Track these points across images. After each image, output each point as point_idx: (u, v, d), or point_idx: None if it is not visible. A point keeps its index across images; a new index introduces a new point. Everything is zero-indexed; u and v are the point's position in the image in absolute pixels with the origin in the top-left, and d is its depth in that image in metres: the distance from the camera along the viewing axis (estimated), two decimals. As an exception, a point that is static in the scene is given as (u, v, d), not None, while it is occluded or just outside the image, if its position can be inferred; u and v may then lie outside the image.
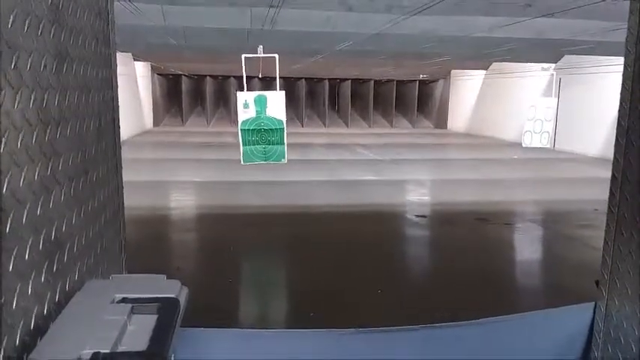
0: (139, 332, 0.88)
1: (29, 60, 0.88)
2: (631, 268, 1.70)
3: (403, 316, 4.06)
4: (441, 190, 10.77)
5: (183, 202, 9.20)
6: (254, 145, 4.95)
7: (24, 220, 0.83)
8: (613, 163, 1.86)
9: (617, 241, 1.78)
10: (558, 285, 5.29)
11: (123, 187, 1.47)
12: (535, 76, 17.74)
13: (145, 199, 8.26)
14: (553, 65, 15.41)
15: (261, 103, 5.10)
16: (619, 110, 1.90)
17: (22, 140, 0.84)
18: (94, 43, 1.27)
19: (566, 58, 14.51)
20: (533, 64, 17.07)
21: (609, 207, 1.82)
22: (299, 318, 4.48)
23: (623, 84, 1.88)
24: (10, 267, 0.78)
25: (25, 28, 0.87)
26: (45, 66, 0.95)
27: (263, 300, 5.14)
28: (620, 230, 1.76)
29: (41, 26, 0.95)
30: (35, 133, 0.89)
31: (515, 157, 15.06)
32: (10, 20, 0.82)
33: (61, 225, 0.98)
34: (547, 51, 12.27)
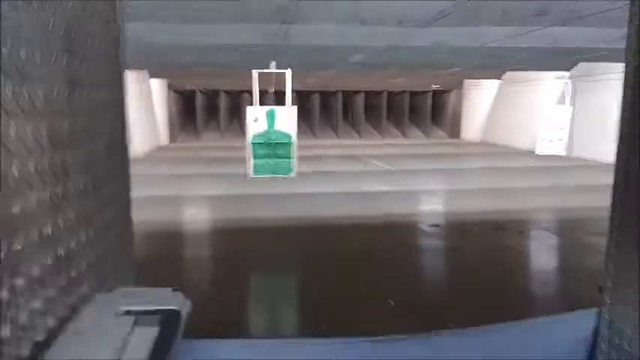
0: (140, 343, 0.92)
1: (42, 88, 0.95)
2: (633, 275, 1.71)
3: (414, 326, 4.06)
4: (454, 200, 10.73)
5: (198, 216, 9.29)
6: (263, 158, 5.02)
7: (36, 237, 0.89)
8: (615, 171, 1.88)
9: (620, 249, 1.79)
10: (572, 293, 5.23)
11: (131, 204, 1.53)
12: (549, 84, 17.62)
13: (161, 212, 8.38)
14: (567, 73, 15.30)
15: (271, 117, 5.18)
16: (620, 118, 1.93)
17: (34, 163, 0.90)
18: (105, 67, 1.34)
19: (581, 65, 14.41)
20: (547, 72, 16.98)
21: (611, 214, 1.84)
22: (312, 330, 4.50)
23: (623, 93, 1.90)
24: (22, 282, 0.83)
25: (39, 59, 0.94)
26: (57, 93, 1.01)
27: (276, 312, 5.17)
28: (622, 237, 1.78)
29: (54, 56, 1.01)
30: (47, 155, 0.96)
31: (531, 165, 14.94)
32: (24, 52, 0.89)
33: (70, 242, 1.04)
34: (561, 59, 12.20)
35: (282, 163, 4.90)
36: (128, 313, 1.00)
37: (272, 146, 4.93)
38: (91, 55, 1.24)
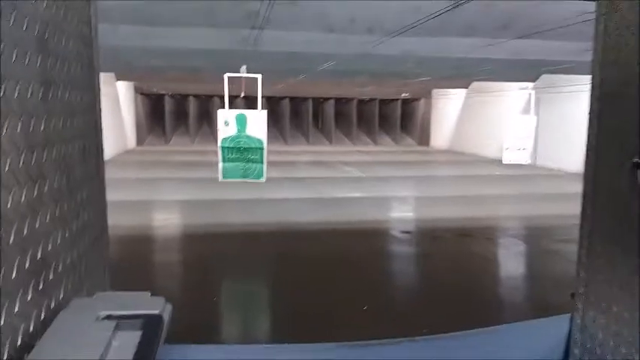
0: (123, 348, 0.90)
1: (17, 88, 0.92)
2: (604, 281, 1.76)
3: (389, 332, 4.08)
4: (424, 207, 10.87)
5: (166, 221, 9.14)
6: (233, 162, 4.98)
7: (11, 240, 0.86)
8: (584, 179, 1.94)
9: (590, 255, 1.84)
10: (539, 298, 5.36)
11: (107, 207, 1.49)
12: (514, 94, 18.10)
13: (128, 218, 8.20)
14: (531, 84, 15.76)
15: (241, 121, 5.15)
16: (588, 129, 1.99)
17: (9, 164, 0.87)
18: (79, 68, 1.31)
19: (544, 77, 14.87)
20: (512, 83, 17.45)
21: (581, 222, 1.89)
22: (284, 336, 4.47)
23: (590, 104, 1.96)
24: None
25: (13, 58, 0.91)
26: (32, 93, 0.99)
27: (247, 318, 5.12)
28: (592, 244, 1.83)
29: (28, 56, 0.99)
30: (22, 157, 0.93)
31: (497, 173, 15.28)
32: (-1, 51, 0.86)
33: (47, 245, 1.00)
34: (525, 70, 12.58)
35: (252, 168, 4.88)
36: (109, 317, 0.97)
37: (242, 150, 4.90)
38: (65, 56, 1.21)
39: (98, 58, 1.55)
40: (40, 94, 1.03)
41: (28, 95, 0.97)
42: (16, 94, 0.91)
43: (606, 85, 1.77)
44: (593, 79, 1.89)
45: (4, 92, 0.87)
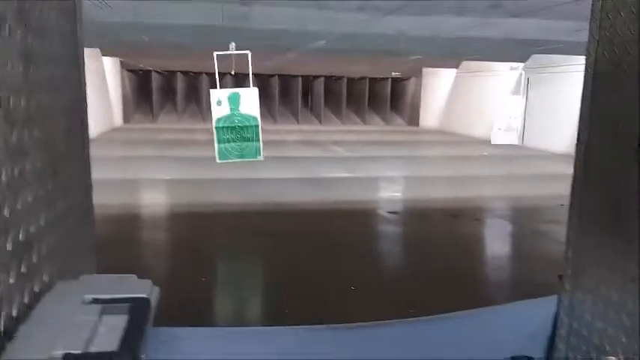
0: (110, 332, 0.88)
1: (-4, 61, 0.88)
2: (592, 262, 1.77)
3: (376, 312, 4.11)
4: (412, 187, 10.92)
5: (155, 201, 9.09)
6: (229, 142, 4.93)
7: (-8, 221, 0.83)
8: (575, 160, 1.93)
9: (579, 235, 1.84)
10: (526, 279, 5.43)
11: (92, 187, 1.46)
12: (504, 74, 18.10)
13: (115, 197, 8.13)
14: (521, 64, 15.75)
15: (234, 100, 5.08)
16: (580, 109, 1.97)
17: (-12, 141, 0.83)
18: (62, 43, 1.26)
19: (534, 57, 14.85)
20: (502, 63, 17.42)
21: (571, 202, 1.89)
22: (273, 315, 4.50)
23: (584, 84, 1.95)
24: (-22, 269, 0.77)
25: (-8, 29, 0.87)
26: (12, 67, 0.94)
27: (236, 298, 5.13)
28: (581, 225, 1.83)
29: (7, 28, 0.94)
30: (2, 134, 0.89)
31: (486, 153, 15.35)
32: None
33: (29, 226, 0.97)
34: (515, 50, 12.54)
35: (249, 147, 4.82)
36: (95, 301, 0.95)
37: (237, 129, 4.84)
38: (47, 30, 1.16)
39: (82, 33, 1.49)
40: (21, 68, 0.98)
41: (8, 69, 0.93)
42: (-6, 69, 0.87)
43: (601, 64, 1.75)
44: (587, 57, 1.87)
45: (-19, 66, 0.82)
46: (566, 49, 10.19)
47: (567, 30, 7.77)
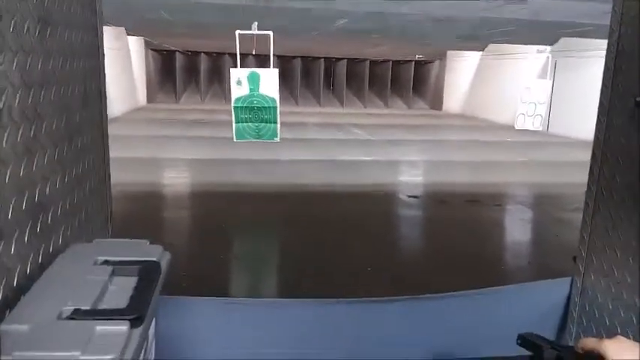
0: (119, 292, 0.90)
1: (12, 23, 0.89)
2: (607, 245, 1.75)
3: (391, 292, 4.13)
4: (433, 171, 10.83)
5: (177, 180, 9.20)
6: (247, 122, 4.92)
7: (7, 179, 0.85)
8: (594, 141, 1.89)
9: (595, 218, 1.82)
10: (543, 265, 5.37)
11: (109, 156, 1.48)
12: (531, 58, 17.67)
13: (138, 176, 8.26)
14: (549, 48, 15.35)
15: (254, 80, 5.06)
16: (601, 89, 1.93)
17: (4, 102, 0.86)
18: (80, 9, 1.27)
19: (563, 40, 14.46)
20: (529, 46, 17.01)
21: (588, 184, 1.86)
22: (290, 293, 4.54)
23: (605, 63, 1.90)
24: (-7, 225, 0.80)
25: (7, -8, 0.88)
26: (28, 29, 0.96)
27: (253, 276, 5.20)
28: (597, 207, 1.80)
29: (23, -10, 0.95)
30: (18, 95, 0.91)
31: (509, 139, 15.10)
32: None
33: (44, 188, 1.00)
34: (543, 33, 12.23)
35: (266, 128, 4.82)
36: (106, 262, 0.97)
37: (255, 110, 4.83)
38: (65, -5, 1.17)
39: (100, 1, 1.50)
40: (37, 31, 1.00)
41: (24, 31, 0.94)
42: (11, 29, 0.89)
43: (624, 43, 1.70)
44: (610, 36, 1.82)
45: (-3, 27, 0.84)
46: (597, 32, 9.89)
47: (598, 12, 7.53)
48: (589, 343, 0.89)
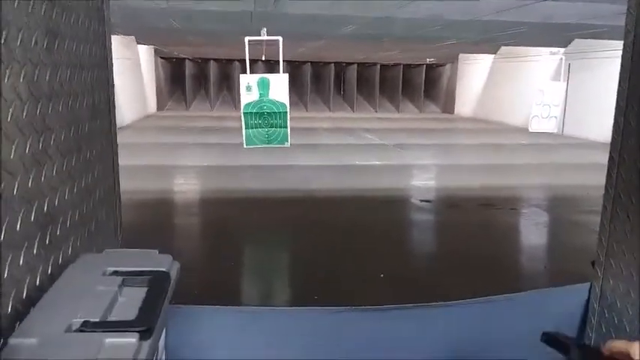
0: (129, 303, 0.90)
1: (19, 35, 0.89)
2: (626, 249, 1.70)
3: (404, 299, 4.09)
4: (446, 175, 10.75)
5: (186, 187, 9.24)
6: (257, 128, 4.93)
7: (15, 191, 0.85)
8: (611, 144, 1.86)
9: (613, 222, 1.78)
10: (560, 270, 5.29)
11: (118, 166, 1.48)
12: (544, 60, 17.54)
13: (148, 183, 8.31)
14: (562, 50, 15.22)
15: (264, 85, 5.07)
16: (617, 90, 1.89)
17: (12, 114, 0.85)
18: (87, 21, 1.27)
19: (576, 42, 14.33)
20: (542, 48, 16.88)
21: (606, 187, 1.82)
22: (302, 301, 4.52)
23: (622, 64, 1.86)
24: (2, 236, 0.80)
25: (16, 3, 0.88)
26: (36, 42, 0.96)
27: (264, 283, 5.19)
28: (616, 211, 1.77)
29: (31, 3, 0.96)
30: (26, 107, 0.91)
31: (523, 142, 14.97)
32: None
33: (53, 199, 1.00)
34: (556, 35, 12.12)
35: (276, 133, 4.81)
36: (116, 273, 0.97)
37: (265, 115, 4.83)
38: (72, 6, 1.18)
39: (109, 13, 1.51)
40: (45, 43, 1.00)
41: (32, 44, 0.94)
42: (18, 42, 0.89)
43: (640, 43, 1.67)
44: (626, 37, 1.79)
45: (5, 39, 0.84)
46: (611, 33, 9.78)
47: (612, 13, 7.44)
48: (618, 344, 0.85)
